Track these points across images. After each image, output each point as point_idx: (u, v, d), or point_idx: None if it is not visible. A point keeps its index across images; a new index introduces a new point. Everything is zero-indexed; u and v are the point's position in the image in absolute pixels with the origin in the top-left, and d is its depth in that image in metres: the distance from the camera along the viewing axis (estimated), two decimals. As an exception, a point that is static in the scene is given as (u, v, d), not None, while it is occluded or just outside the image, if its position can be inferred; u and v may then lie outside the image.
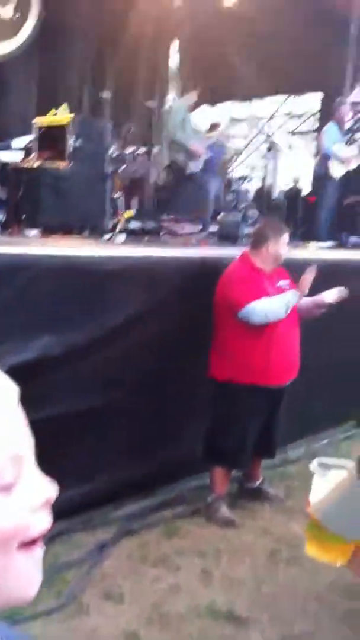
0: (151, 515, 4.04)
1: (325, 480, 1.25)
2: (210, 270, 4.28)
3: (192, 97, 7.70)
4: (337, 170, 8.17)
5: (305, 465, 4.69)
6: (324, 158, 8.25)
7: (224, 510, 4.08)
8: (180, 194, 8.00)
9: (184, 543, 3.79)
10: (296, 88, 15.09)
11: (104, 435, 3.91)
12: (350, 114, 12.08)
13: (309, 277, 4.04)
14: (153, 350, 4.11)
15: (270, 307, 3.89)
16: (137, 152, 8.07)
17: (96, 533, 3.78)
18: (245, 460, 4.16)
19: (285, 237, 4.15)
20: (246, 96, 15.77)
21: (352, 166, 8.53)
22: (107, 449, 3.94)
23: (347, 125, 11.29)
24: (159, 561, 3.57)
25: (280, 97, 16.56)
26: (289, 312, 3.95)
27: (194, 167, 7.47)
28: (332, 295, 4.24)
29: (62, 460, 3.67)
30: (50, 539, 3.58)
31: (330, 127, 8.42)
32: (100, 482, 3.92)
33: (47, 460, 0.73)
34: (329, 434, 5.37)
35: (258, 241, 4.12)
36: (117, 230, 6.06)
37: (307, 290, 4.06)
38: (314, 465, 1.30)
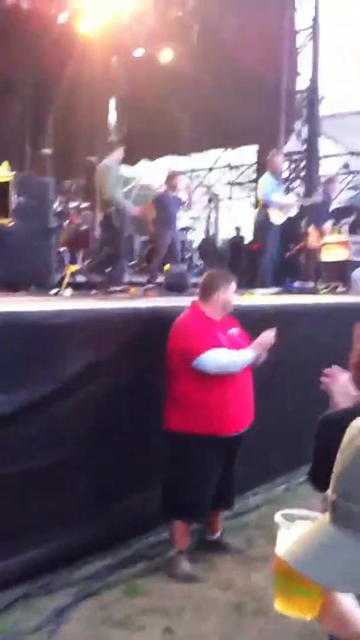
0: (111, 575, 3.91)
1: (291, 532, 1.22)
2: (158, 321, 4.28)
3: (119, 154, 7.77)
4: (276, 218, 8.39)
5: (264, 513, 4.68)
6: (263, 207, 8.47)
7: (185, 565, 3.98)
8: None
9: (146, 601, 3.67)
10: (233, 141, 15.59)
11: (58, 493, 3.79)
12: (286, 164, 12.54)
13: (267, 338, 4.08)
14: (105, 404, 4.05)
15: (225, 360, 3.90)
16: (80, 207, 8.13)
17: (55, 597, 3.63)
18: (206, 512, 4.09)
19: (233, 285, 4.20)
20: (185, 150, 16.16)
21: (292, 213, 8.77)
22: (62, 507, 3.82)
23: (284, 175, 11.69)
24: (121, 622, 3.44)
25: (217, 151, 17.10)
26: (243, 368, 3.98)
27: (128, 227, 7.50)
28: (263, 340, 4.16)
29: (16, 522, 3.55)
30: (8, 605, 3.42)
31: (267, 177, 8.69)
32: (56, 543, 3.78)
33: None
34: (286, 479, 5.35)
35: (207, 291, 4.14)
36: (64, 284, 6.03)
37: (262, 351, 4.08)
38: (277, 517, 1.27)
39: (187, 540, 4.11)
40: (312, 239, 9.18)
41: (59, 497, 3.78)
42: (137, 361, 4.17)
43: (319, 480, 2.53)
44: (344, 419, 2.47)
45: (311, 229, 9.27)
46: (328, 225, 9.39)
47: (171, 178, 9.28)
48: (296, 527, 1.22)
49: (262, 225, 8.71)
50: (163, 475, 4.07)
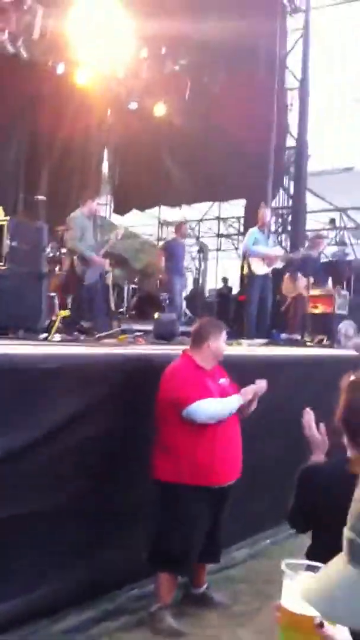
0: (93, 628, 3.81)
1: (295, 583, 1.21)
2: (148, 369, 4.27)
3: (89, 205, 7.86)
4: (258, 269, 8.53)
5: (250, 567, 4.61)
6: (244, 257, 8.63)
7: (170, 620, 3.89)
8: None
9: (130, 657, 3.57)
10: (222, 195, 15.87)
11: (41, 541, 3.71)
12: (274, 218, 12.77)
13: (256, 388, 4.10)
14: (92, 451, 4.00)
15: (215, 409, 3.91)
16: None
17: (34, 650, 3.52)
18: (192, 565, 4.01)
19: (224, 334, 4.22)
20: (175, 201, 16.39)
21: (277, 265, 8.91)
22: (45, 556, 3.73)
23: (273, 228, 11.89)
24: None
25: (207, 203, 17.38)
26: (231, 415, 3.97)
27: (90, 277, 7.53)
28: (250, 391, 4.18)
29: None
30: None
31: (252, 230, 8.88)
32: (37, 593, 3.68)
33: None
34: (272, 533, 5.28)
35: (198, 339, 4.16)
36: (53, 329, 6.02)
37: (250, 398, 4.09)
38: (283, 566, 1.26)
39: (173, 594, 4.03)
40: (301, 291, 9.31)
41: (41, 546, 3.70)
42: (126, 409, 4.15)
43: (297, 522, 2.60)
44: (323, 472, 2.54)
45: (298, 282, 9.40)
46: (314, 278, 9.53)
47: (180, 226, 9.56)
48: (300, 578, 1.21)
49: (248, 277, 8.85)
50: (150, 526, 4.01)
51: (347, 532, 0.91)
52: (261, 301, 8.77)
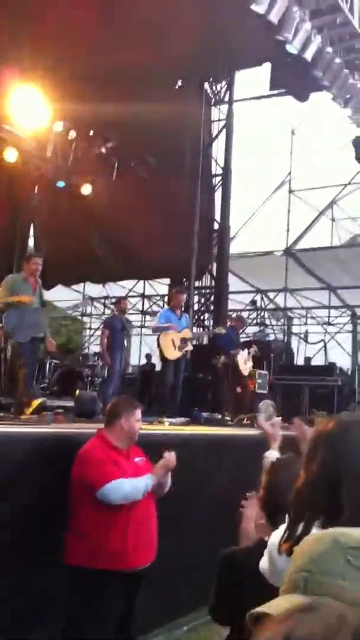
0: None
1: None
2: (64, 448, 4.19)
3: (27, 267, 7.78)
4: (172, 355, 8.62)
5: (166, 657, 4.42)
6: (161, 345, 8.72)
7: None
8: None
9: None
10: (146, 274, 16.13)
11: None
12: (196, 297, 13.04)
13: (164, 462, 4.05)
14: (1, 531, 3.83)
15: (128, 489, 3.82)
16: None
17: None
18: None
19: (138, 412, 4.18)
20: (100, 278, 16.52)
21: (189, 347, 9.01)
22: None
23: (196, 307, 12.12)
24: None
25: (131, 281, 17.60)
26: (145, 494, 3.91)
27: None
28: (161, 465, 4.10)
29: None
30: None
31: (165, 312, 9.06)
32: None
33: None
34: (188, 620, 5.13)
35: (112, 418, 4.11)
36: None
37: (160, 473, 4.03)
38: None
39: None
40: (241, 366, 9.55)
41: None
42: (41, 488, 4.02)
43: (219, 614, 2.50)
44: (242, 556, 2.49)
45: (223, 359, 9.60)
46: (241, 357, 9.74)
47: (119, 302, 9.76)
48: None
49: (159, 359, 9.06)
50: (64, 611, 3.83)
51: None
52: (176, 382, 8.81)
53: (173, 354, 8.67)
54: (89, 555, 3.76)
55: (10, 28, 8.93)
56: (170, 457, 4.09)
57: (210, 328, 12.17)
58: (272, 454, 2.66)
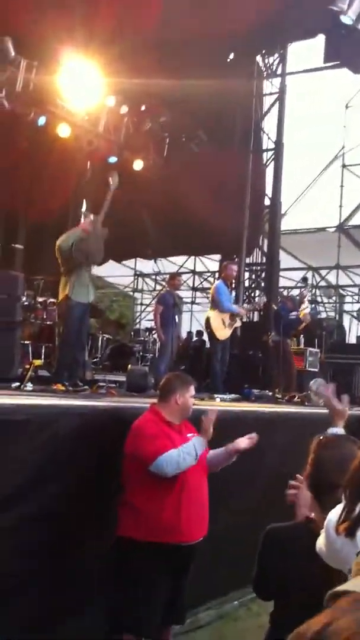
0: None
1: None
2: (117, 422, 4.23)
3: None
4: (222, 335, 8.62)
5: (216, 629, 4.48)
6: (212, 326, 8.72)
7: None
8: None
9: None
10: (197, 250, 16.08)
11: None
12: (247, 274, 12.96)
13: (209, 419, 4.04)
14: (58, 508, 3.88)
15: (180, 456, 3.83)
16: (47, 302, 8.19)
17: None
18: (156, 627, 3.88)
19: (192, 389, 4.20)
20: (151, 254, 16.55)
21: (238, 324, 9.01)
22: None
23: (247, 284, 12.05)
24: None
25: (182, 258, 17.59)
26: (198, 458, 3.91)
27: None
28: (244, 442, 4.22)
29: None
30: None
31: (221, 285, 8.98)
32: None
33: None
34: (239, 595, 5.16)
35: (166, 394, 4.13)
36: (26, 378, 5.96)
37: (210, 433, 4.03)
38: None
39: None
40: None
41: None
42: (95, 462, 4.08)
43: (262, 589, 2.51)
44: (287, 532, 2.48)
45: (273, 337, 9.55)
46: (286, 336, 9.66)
47: (173, 278, 9.79)
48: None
49: (209, 339, 9.05)
50: (112, 586, 3.89)
51: None
52: (223, 360, 8.82)
53: (224, 334, 8.69)
54: (143, 529, 3.79)
55: (65, 3, 8.92)
56: (212, 412, 4.08)
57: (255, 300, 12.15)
58: (339, 431, 2.63)
